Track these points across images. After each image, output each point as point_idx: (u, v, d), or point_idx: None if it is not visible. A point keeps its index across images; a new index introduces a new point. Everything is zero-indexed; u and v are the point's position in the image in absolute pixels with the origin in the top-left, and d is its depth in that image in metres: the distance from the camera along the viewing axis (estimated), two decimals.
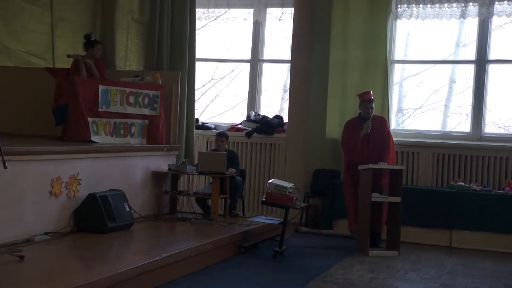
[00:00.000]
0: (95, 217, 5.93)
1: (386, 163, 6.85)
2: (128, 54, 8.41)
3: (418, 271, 5.94)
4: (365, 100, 7.09)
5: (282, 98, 9.47)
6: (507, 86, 8.13)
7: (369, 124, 6.98)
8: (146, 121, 7.40)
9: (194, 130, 8.53)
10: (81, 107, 6.89)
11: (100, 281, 4.25)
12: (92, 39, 7.63)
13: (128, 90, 7.29)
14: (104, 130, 7.03)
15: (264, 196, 6.45)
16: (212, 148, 8.23)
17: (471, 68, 8.19)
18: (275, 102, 9.56)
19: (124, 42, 8.39)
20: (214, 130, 8.79)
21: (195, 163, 7.90)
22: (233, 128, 8.95)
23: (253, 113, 8.98)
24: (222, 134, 7.90)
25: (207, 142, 8.86)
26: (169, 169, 7.47)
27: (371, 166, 6.60)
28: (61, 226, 5.81)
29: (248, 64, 9.23)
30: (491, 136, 8.05)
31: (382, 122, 7.22)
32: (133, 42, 8.43)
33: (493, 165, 7.77)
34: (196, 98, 8.95)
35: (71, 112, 6.94)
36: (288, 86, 8.87)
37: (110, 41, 8.35)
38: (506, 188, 7.39)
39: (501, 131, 8.28)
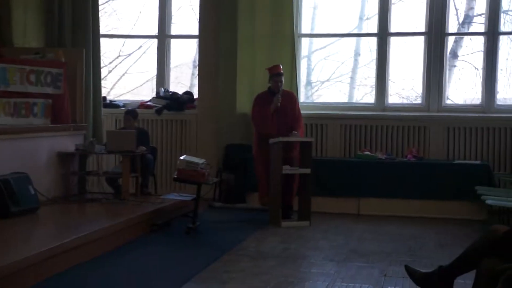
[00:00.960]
0: None
1: (296, 133, 6.99)
2: (26, 31, 8.06)
3: (328, 239, 6.16)
4: (274, 73, 7.19)
5: (192, 74, 9.42)
6: (407, 57, 8.49)
7: (279, 97, 7.10)
8: (50, 100, 7.16)
9: (102, 108, 8.36)
10: None
11: (6, 267, 4.12)
12: None
13: (28, 68, 7.02)
14: (3, 111, 6.74)
15: (176, 173, 6.44)
16: (121, 126, 8.10)
17: (374, 40, 8.48)
18: (185, 78, 9.50)
19: (21, 18, 8.02)
20: (123, 108, 8.64)
21: (104, 142, 7.76)
22: (143, 105, 8.83)
23: (163, 90, 8.89)
24: (130, 112, 7.80)
25: (116, 120, 8.70)
26: (77, 149, 7.31)
27: (281, 139, 6.73)
28: None
29: (156, 40, 9.10)
30: (394, 106, 8.40)
31: (292, 96, 7.36)
32: (32, 17, 8.07)
33: (396, 134, 8.12)
34: (103, 76, 8.76)
35: None
36: (197, 62, 8.83)
37: (6, 16, 7.96)
38: (408, 156, 7.77)
39: (404, 101, 8.66)
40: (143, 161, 7.50)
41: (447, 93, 8.30)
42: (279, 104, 7.10)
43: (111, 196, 7.29)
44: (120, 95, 9.44)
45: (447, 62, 8.29)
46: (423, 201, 7.51)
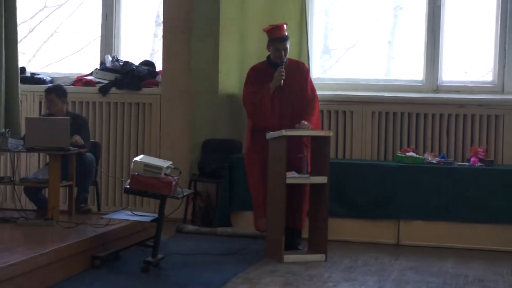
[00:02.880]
0: None
1: (308, 124, 6.97)
2: None
3: (352, 281, 6.12)
4: (275, 37, 7.16)
5: (155, 35, 9.43)
6: (472, 14, 8.48)
7: (282, 71, 7.07)
8: None
9: (19, 85, 8.33)
10: None
11: None
12: None
13: None
14: None
15: (129, 181, 6.41)
16: (47, 112, 8.07)
17: None
18: (143, 42, 9.50)
19: None
20: (51, 85, 8.59)
21: (22, 134, 7.72)
22: (80, 81, 8.85)
23: (110, 58, 8.89)
24: (53, 90, 7.78)
25: (41, 102, 8.72)
26: None
27: (284, 132, 6.70)
28: None
29: None
30: (452, 85, 8.42)
31: (301, 69, 7.33)
32: None
33: (454, 126, 8.11)
34: (20, 37, 8.71)
35: None
36: (161, 18, 8.80)
37: None
38: (472, 159, 7.76)
39: (467, 78, 8.65)
40: (80, 163, 7.46)
41: None
42: (282, 81, 7.07)
43: (32, 215, 7.25)
44: (46, 66, 9.43)
45: None
46: (494, 226, 7.48)
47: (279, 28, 7.22)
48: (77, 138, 7.35)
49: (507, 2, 8.16)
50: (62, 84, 8.24)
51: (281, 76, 7.07)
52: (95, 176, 7.94)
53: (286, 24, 7.33)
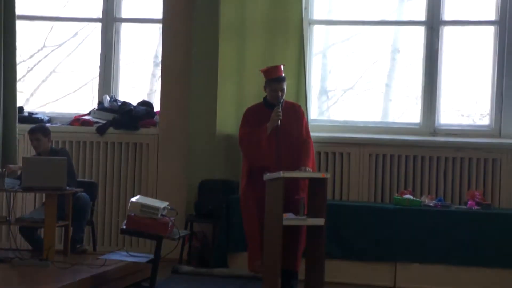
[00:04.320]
0: None
1: (308, 169, 7.01)
2: None
3: None
4: (272, 78, 7.20)
5: (153, 75, 9.46)
6: (469, 57, 8.56)
7: (279, 111, 7.10)
8: None
9: (17, 124, 8.40)
10: None
11: None
12: None
13: None
14: None
15: (125, 221, 6.41)
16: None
17: (420, 31, 8.55)
18: (141, 82, 9.54)
19: None
20: (49, 124, 8.64)
21: (19, 173, 7.73)
22: (78, 120, 8.86)
23: (108, 98, 8.92)
24: (37, 129, 7.80)
25: None
26: None
27: (282, 174, 6.72)
28: None
29: (99, 25, 9.15)
30: (449, 128, 8.46)
31: (297, 111, 7.36)
32: None
33: (451, 169, 8.14)
34: (19, 76, 8.78)
35: None
36: (160, 58, 8.86)
37: None
38: (469, 202, 7.77)
39: (464, 121, 8.70)
40: (76, 204, 7.47)
41: None
42: (279, 122, 7.10)
43: (28, 255, 7.22)
44: (44, 105, 9.44)
45: None
46: (491, 270, 7.47)
47: (276, 69, 7.27)
48: (11, 166, 7.36)
49: (504, 47, 8.24)
50: (43, 125, 8.21)
51: (278, 116, 7.10)
52: (91, 216, 7.92)
53: (284, 65, 7.38)
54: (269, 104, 7.23)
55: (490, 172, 8.08)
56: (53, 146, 8.05)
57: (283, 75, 7.25)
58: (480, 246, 7.49)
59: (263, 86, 7.28)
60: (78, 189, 7.52)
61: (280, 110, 7.10)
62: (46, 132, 7.82)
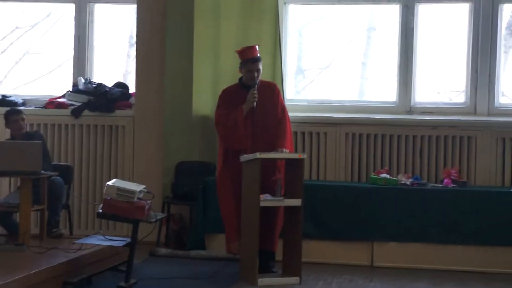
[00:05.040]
0: None
1: (285, 150, 7.01)
2: None
3: None
4: (248, 59, 7.19)
5: (128, 56, 9.42)
6: (444, 35, 8.57)
7: (255, 93, 7.09)
8: None
9: None
10: None
11: None
12: None
13: None
14: None
15: (101, 205, 6.40)
16: (7, 138, 8.08)
17: (395, 9, 8.54)
18: (116, 63, 9.50)
19: None
20: (22, 107, 8.59)
21: None
22: (53, 103, 8.82)
23: (83, 80, 8.87)
24: (20, 111, 7.83)
25: None
26: None
27: (259, 155, 6.73)
28: None
29: (73, 5, 9.09)
30: (425, 106, 8.48)
31: (273, 89, 7.36)
32: None
33: (427, 148, 8.17)
34: None
35: None
36: (135, 38, 8.82)
37: None
38: (445, 180, 7.81)
39: (439, 99, 8.73)
40: (51, 188, 7.44)
41: (501, 88, 8.39)
42: (255, 103, 7.09)
43: (3, 240, 7.21)
44: (17, 87, 9.39)
45: (502, 43, 8.38)
46: (467, 248, 7.53)
47: (251, 49, 7.26)
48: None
49: (478, 24, 8.25)
50: (15, 107, 8.21)
51: (254, 98, 7.10)
52: (67, 200, 7.90)
53: (259, 45, 7.37)
54: (244, 85, 7.22)
55: (465, 150, 8.12)
56: (27, 129, 8.01)
57: (258, 55, 7.25)
58: (457, 224, 7.54)
59: (238, 67, 7.27)
60: (53, 173, 7.49)
61: (255, 91, 7.10)
62: (24, 114, 7.82)
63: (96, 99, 8.69)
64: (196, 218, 8.02)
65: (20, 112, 7.83)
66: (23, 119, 7.75)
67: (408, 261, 7.59)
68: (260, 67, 7.22)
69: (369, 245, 7.71)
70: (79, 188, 8.59)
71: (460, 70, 8.47)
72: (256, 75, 7.17)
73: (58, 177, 7.59)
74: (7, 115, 7.84)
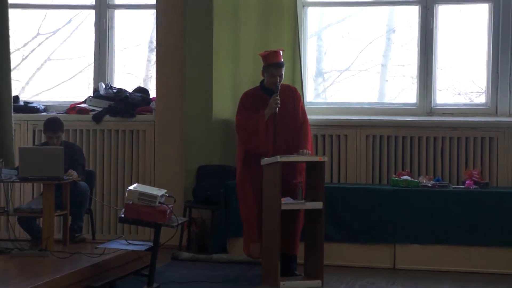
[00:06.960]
0: None
1: (308, 152, 7.01)
2: None
3: None
4: (272, 63, 7.12)
5: (148, 61, 9.45)
6: (464, 35, 8.53)
7: (278, 99, 7.04)
8: None
9: (12, 114, 8.38)
10: None
11: None
12: None
13: None
14: None
15: (123, 210, 6.42)
16: (42, 141, 8.08)
17: (415, 10, 8.52)
18: (137, 68, 9.53)
19: None
20: (44, 113, 8.63)
21: (16, 165, 7.74)
22: (74, 109, 8.85)
23: (104, 86, 8.91)
24: (59, 127, 7.63)
25: (34, 131, 8.72)
26: None
27: (279, 159, 6.72)
28: None
29: (93, 11, 9.14)
30: (446, 108, 8.46)
31: (294, 94, 7.34)
32: None
33: (448, 149, 8.14)
34: (13, 65, 8.75)
35: None
36: (155, 43, 8.85)
37: None
38: (467, 181, 7.77)
39: (460, 100, 8.70)
40: (74, 193, 7.46)
41: None
42: (277, 108, 7.06)
43: (26, 245, 7.24)
44: (39, 93, 9.43)
45: None
46: (490, 249, 7.50)
47: (275, 54, 7.20)
48: (73, 173, 7.37)
49: (498, 24, 8.22)
50: (56, 117, 8.11)
51: (277, 104, 7.05)
52: (90, 204, 7.92)
53: (283, 50, 7.33)
54: (265, 89, 7.20)
55: (487, 151, 8.08)
56: (63, 139, 7.97)
57: (282, 60, 7.21)
58: (479, 225, 7.50)
59: (261, 71, 7.23)
60: (76, 179, 7.46)
61: (278, 97, 7.07)
62: (63, 128, 7.76)
63: (117, 104, 8.73)
64: (218, 222, 8.03)
65: (56, 130, 7.63)
66: (58, 138, 7.61)
67: (431, 263, 7.57)
68: (283, 72, 7.20)
69: (391, 247, 7.69)
70: (101, 193, 8.63)
71: (481, 70, 8.44)
72: (278, 80, 7.14)
73: (82, 182, 7.61)
74: (45, 126, 7.70)
